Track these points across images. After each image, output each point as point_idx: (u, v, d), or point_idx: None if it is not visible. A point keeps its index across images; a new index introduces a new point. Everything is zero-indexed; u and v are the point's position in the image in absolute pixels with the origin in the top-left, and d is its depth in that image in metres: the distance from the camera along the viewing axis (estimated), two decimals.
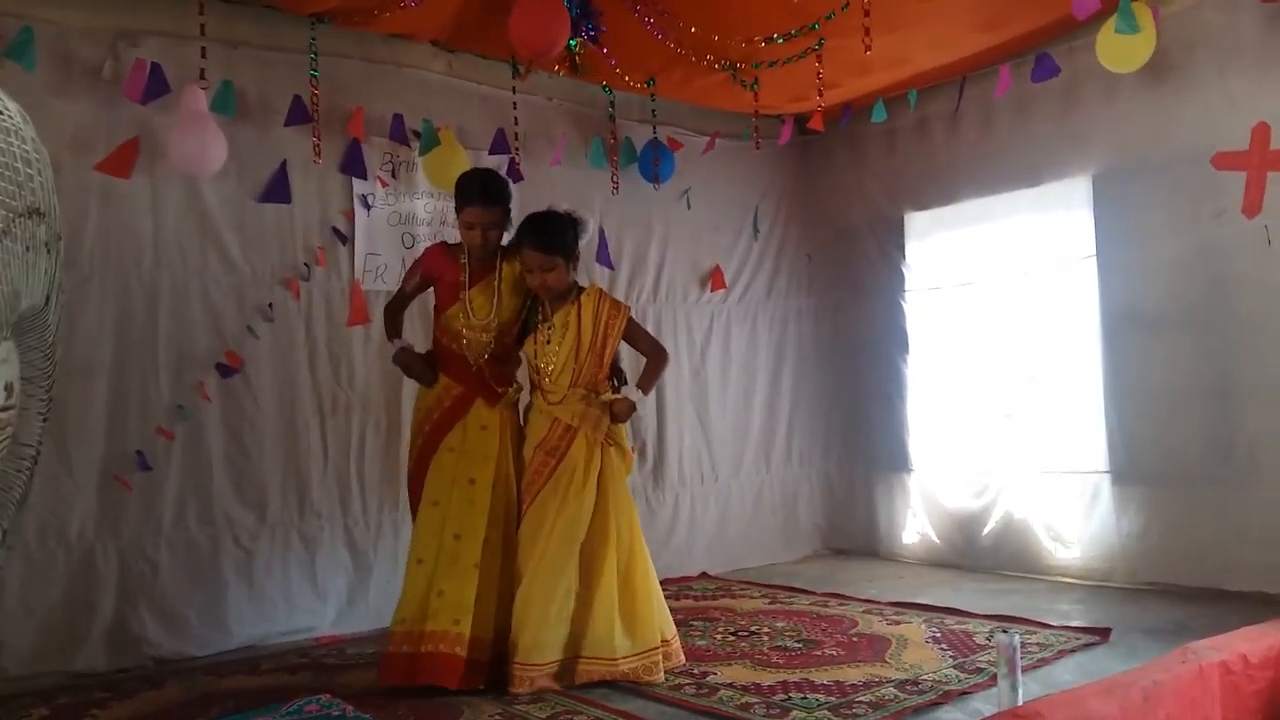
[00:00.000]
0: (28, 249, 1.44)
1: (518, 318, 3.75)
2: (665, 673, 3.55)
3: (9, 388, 1.46)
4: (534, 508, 3.56)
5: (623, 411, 3.67)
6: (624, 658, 3.49)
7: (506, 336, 3.72)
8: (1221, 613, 4.09)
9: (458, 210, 3.66)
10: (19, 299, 1.44)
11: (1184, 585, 4.66)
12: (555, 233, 3.62)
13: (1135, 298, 4.91)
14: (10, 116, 1.43)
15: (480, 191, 3.63)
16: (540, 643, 3.43)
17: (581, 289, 3.73)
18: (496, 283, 3.67)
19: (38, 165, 1.47)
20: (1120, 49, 4.32)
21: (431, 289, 3.81)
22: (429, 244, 4.20)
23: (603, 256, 5.53)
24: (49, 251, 1.54)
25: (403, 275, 4.13)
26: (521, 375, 3.86)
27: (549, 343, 3.65)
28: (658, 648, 3.56)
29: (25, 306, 1.49)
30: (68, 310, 3.82)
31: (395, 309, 3.83)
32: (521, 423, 3.77)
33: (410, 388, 4.71)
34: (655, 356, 3.81)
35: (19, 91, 3.64)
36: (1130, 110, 4.89)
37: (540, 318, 3.71)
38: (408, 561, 3.60)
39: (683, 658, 3.72)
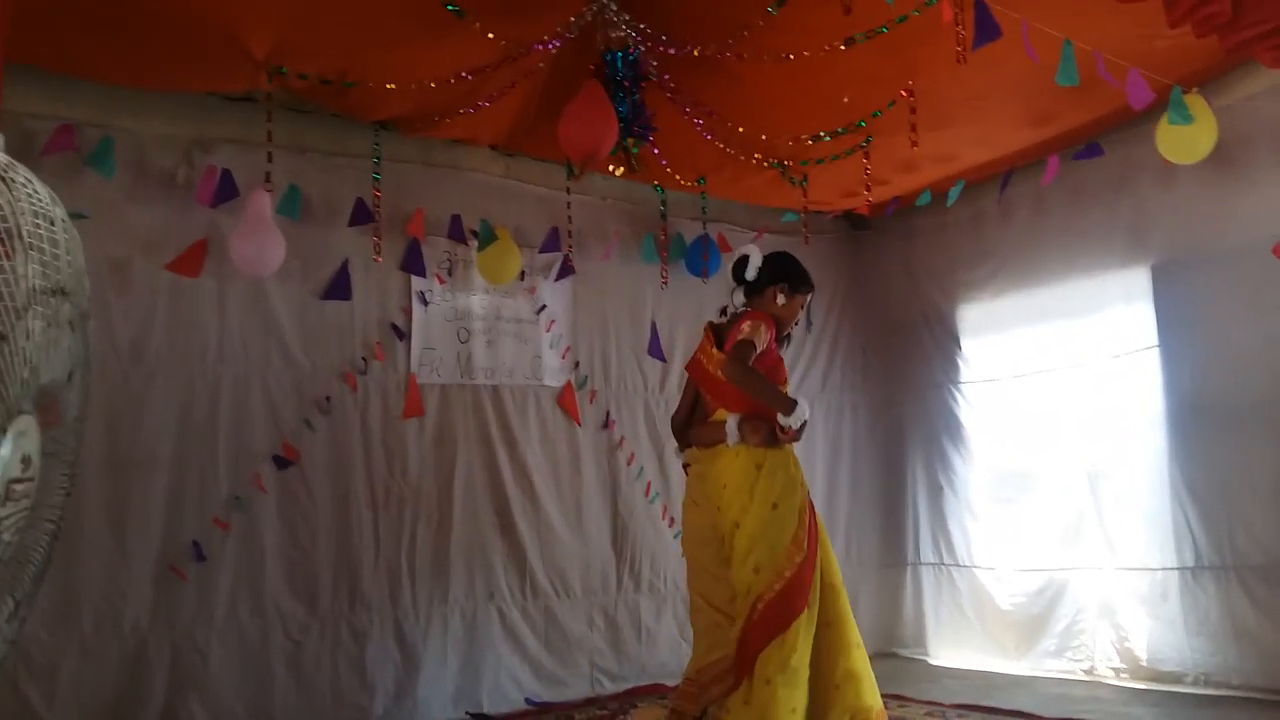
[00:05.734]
0: (49, 325, 1.52)
1: None
2: None
3: (27, 460, 1.53)
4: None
5: None
6: None
7: None
8: None
9: (798, 291, 3.69)
10: (38, 375, 1.52)
11: (1261, 691, 4.41)
12: None
13: (1202, 389, 4.76)
14: (40, 200, 1.53)
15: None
16: None
17: None
18: None
19: (65, 245, 1.56)
20: (1182, 141, 4.26)
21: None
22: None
23: (654, 349, 5.58)
24: (73, 330, 1.62)
25: (749, 333, 3.52)
26: None
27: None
28: None
29: (46, 381, 1.57)
30: (135, 402, 4.04)
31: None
32: None
33: (464, 481, 4.81)
34: None
35: (96, 196, 3.95)
36: (1188, 201, 4.82)
37: None
38: (847, 646, 3.37)
39: None
